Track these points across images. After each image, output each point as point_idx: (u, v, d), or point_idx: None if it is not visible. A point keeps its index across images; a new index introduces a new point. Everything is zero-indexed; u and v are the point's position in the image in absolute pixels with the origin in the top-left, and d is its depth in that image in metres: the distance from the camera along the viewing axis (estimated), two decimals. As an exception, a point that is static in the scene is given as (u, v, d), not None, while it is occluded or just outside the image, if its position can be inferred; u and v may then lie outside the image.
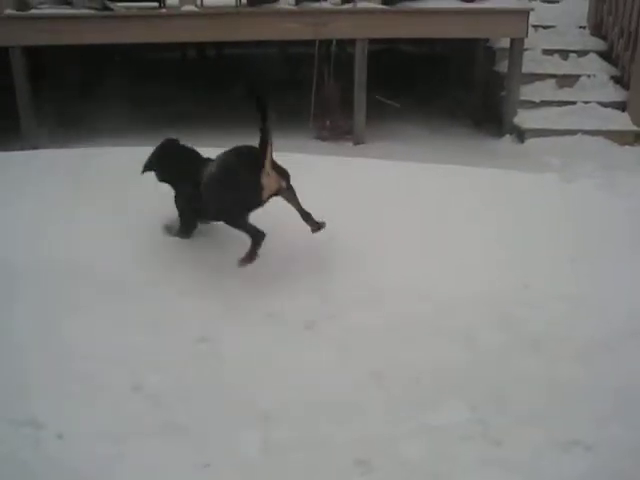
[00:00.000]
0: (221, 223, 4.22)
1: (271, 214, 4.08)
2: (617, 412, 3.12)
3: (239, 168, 4.02)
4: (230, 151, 4.16)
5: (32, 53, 7.69)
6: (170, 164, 4.45)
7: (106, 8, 7.41)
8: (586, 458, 2.88)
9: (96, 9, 7.40)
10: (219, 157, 4.19)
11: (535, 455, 2.89)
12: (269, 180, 3.96)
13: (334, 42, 7.76)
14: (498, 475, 2.81)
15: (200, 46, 11.51)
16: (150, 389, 3.30)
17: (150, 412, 3.16)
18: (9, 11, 7.25)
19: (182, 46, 11.09)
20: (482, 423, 3.06)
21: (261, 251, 4.19)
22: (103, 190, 4.93)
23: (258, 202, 4.00)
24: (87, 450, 2.96)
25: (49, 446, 2.98)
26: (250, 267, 4.10)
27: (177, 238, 4.49)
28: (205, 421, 3.11)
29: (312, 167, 5.09)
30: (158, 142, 4.75)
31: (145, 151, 4.55)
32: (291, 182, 4.11)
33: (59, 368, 3.41)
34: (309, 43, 8.41)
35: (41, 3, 7.44)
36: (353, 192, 4.92)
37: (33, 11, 7.42)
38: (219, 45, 11.38)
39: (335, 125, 8.00)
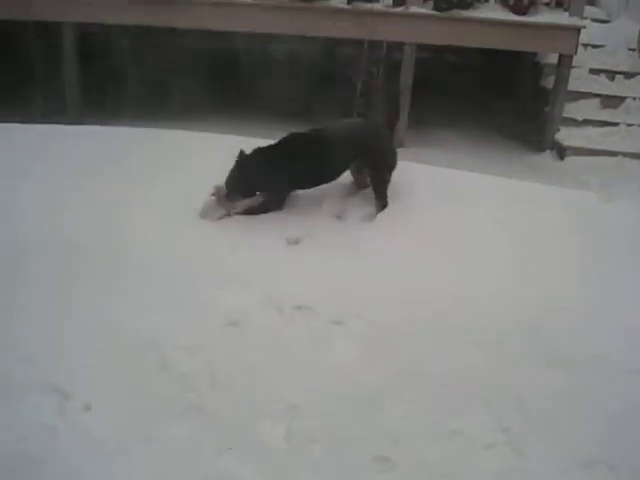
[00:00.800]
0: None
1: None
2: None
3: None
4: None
5: (83, 33, 7.81)
6: (252, 176, 4.67)
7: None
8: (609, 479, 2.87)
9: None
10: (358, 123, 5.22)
11: (557, 470, 2.88)
12: None
13: (384, 45, 7.77)
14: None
15: (246, 38, 11.58)
16: (178, 370, 3.33)
17: (177, 392, 3.19)
18: (65, -13, 7.37)
19: (229, 37, 11.17)
20: (505, 432, 3.06)
21: (291, 241, 4.48)
22: (147, 171, 4.99)
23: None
24: (113, 424, 3.00)
25: (76, 416, 3.03)
26: (284, 257, 4.15)
27: (214, 223, 4.55)
28: (231, 406, 3.13)
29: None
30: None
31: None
32: None
33: (90, 343, 3.46)
34: (354, 44, 8.45)
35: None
36: (396, 193, 4.95)
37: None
38: (266, 40, 11.44)
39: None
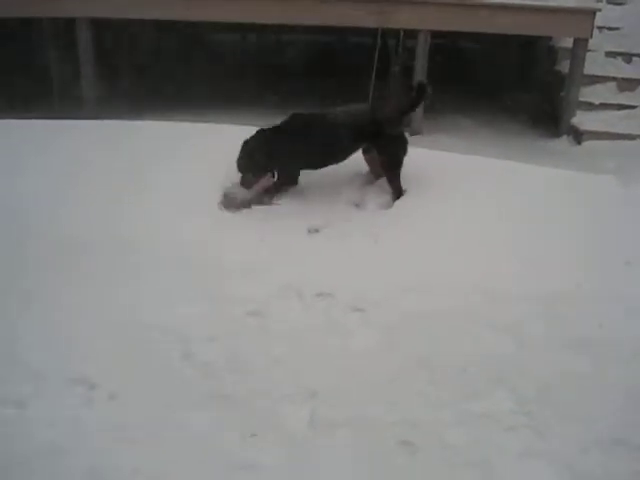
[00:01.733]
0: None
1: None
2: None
3: None
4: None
5: (98, 28, 7.84)
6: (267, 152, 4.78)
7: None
8: (631, 459, 2.87)
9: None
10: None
11: (578, 451, 2.88)
12: None
13: (402, 33, 7.74)
14: (540, 466, 2.81)
15: (260, 30, 11.60)
16: (200, 359, 3.37)
17: (199, 381, 3.23)
18: (80, -17, 7.40)
19: (243, 28, 11.19)
20: (527, 415, 3.06)
21: (312, 229, 4.53)
22: (169, 164, 5.05)
23: None
24: (137, 413, 3.04)
25: (101, 405, 3.07)
26: (304, 246, 4.18)
27: (234, 214, 4.60)
28: (253, 393, 3.16)
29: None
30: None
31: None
32: None
33: (113, 333, 3.52)
34: (368, 34, 8.42)
35: (111, -23, 7.56)
36: (414, 181, 4.96)
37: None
38: (279, 31, 11.45)
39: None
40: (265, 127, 4.90)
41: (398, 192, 4.88)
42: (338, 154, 4.94)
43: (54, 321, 3.56)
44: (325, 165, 4.94)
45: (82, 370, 3.23)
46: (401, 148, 4.93)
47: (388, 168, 4.90)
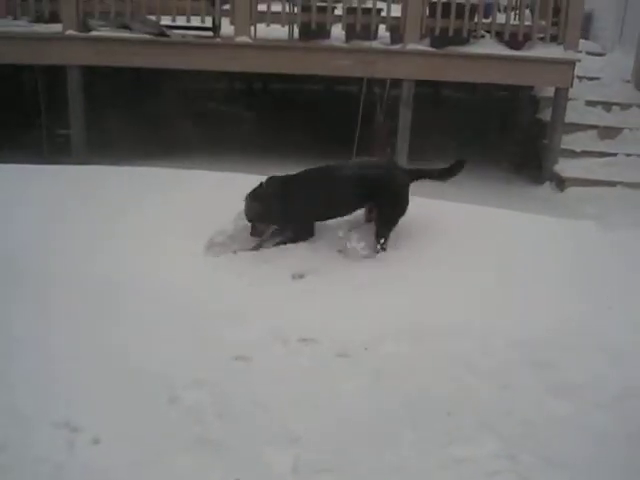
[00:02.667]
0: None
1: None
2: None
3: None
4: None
5: (87, 75, 7.96)
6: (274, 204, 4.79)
7: (163, 34, 7.65)
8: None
9: (153, 34, 7.65)
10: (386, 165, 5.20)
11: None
12: None
13: (388, 82, 7.90)
14: (525, 513, 2.82)
15: (247, 78, 11.77)
16: (185, 403, 3.36)
17: (184, 425, 3.22)
18: (71, 32, 7.53)
19: (230, 77, 11.36)
20: (511, 459, 3.07)
21: (297, 275, 4.57)
22: (154, 208, 5.09)
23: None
24: (121, 457, 3.02)
25: (84, 450, 3.05)
26: (289, 291, 4.21)
27: (220, 258, 4.64)
28: (238, 437, 3.15)
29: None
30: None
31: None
32: None
33: (98, 376, 3.50)
34: (354, 82, 8.58)
35: (101, 26, 7.70)
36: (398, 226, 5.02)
37: (93, 33, 7.69)
38: (266, 79, 11.63)
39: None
40: (277, 176, 4.96)
41: (384, 245, 4.88)
42: (345, 208, 4.97)
43: (38, 364, 3.54)
44: (331, 218, 5.00)
45: (66, 413, 3.21)
46: (402, 208, 4.93)
47: (383, 224, 4.91)
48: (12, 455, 2.98)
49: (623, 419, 3.35)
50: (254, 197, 4.82)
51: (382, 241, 4.85)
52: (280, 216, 4.87)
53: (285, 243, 4.89)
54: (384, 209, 4.90)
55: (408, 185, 4.97)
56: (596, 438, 3.22)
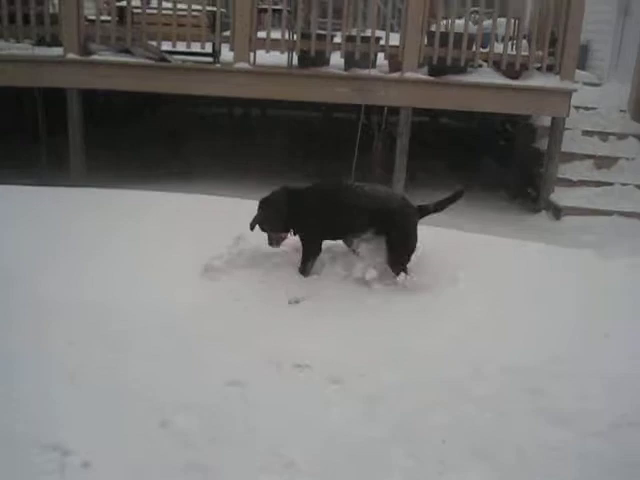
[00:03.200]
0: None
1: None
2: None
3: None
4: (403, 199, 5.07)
5: (86, 99, 8.00)
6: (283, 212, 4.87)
7: (163, 59, 7.70)
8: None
9: (154, 59, 7.70)
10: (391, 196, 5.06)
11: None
12: None
13: (385, 110, 7.95)
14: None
15: (246, 104, 11.86)
16: (178, 427, 3.32)
17: (176, 450, 3.18)
18: (72, 55, 7.58)
19: (229, 103, 11.44)
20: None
21: (293, 300, 4.58)
22: (156, 231, 5.16)
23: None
24: (112, 481, 2.99)
25: (74, 474, 3.01)
26: (284, 317, 4.21)
27: (215, 282, 4.63)
28: (230, 463, 3.12)
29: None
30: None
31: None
32: None
33: (89, 399, 3.47)
34: (352, 110, 8.64)
35: (102, 50, 7.76)
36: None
37: (94, 57, 7.74)
38: (264, 105, 11.72)
39: (374, 189, 8.12)
40: (288, 185, 5.01)
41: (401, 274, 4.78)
42: (348, 230, 4.93)
43: (28, 386, 3.52)
44: (333, 238, 5.00)
45: (56, 436, 3.17)
46: (411, 245, 4.86)
47: (393, 264, 4.81)
48: (2, 478, 2.94)
49: (619, 447, 3.33)
50: (263, 203, 4.92)
51: (401, 275, 4.75)
52: (285, 226, 4.91)
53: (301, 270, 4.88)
54: (393, 244, 4.81)
55: (417, 222, 4.93)
56: (591, 467, 3.20)
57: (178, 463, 3.09)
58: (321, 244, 4.94)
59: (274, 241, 4.94)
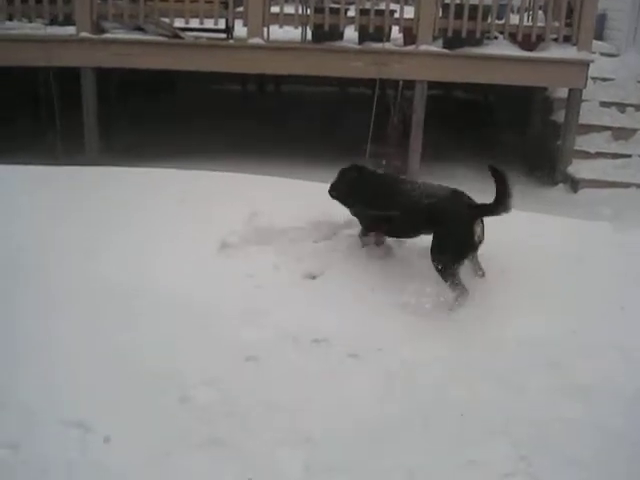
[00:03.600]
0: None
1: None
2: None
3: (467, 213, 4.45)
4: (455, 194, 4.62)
5: (102, 78, 8.00)
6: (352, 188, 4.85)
7: (176, 36, 7.67)
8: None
9: (167, 36, 7.67)
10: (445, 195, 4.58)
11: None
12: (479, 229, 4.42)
13: (401, 83, 7.88)
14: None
15: (260, 80, 11.81)
16: (197, 403, 3.36)
17: (196, 425, 3.23)
18: (85, 34, 7.57)
19: (243, 79, 11.39)
20: (524, 461, 3.05)
21: (309, 276, 4.55)
22: (171, 208, 5.17)
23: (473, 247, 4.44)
24: (132, 456, 3.03)
25: (95, 449, 3.06)
26: (301, 291, 4.22)
27: (232, 259, 4.64)
28: (249, 437, 3.16)
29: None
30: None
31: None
32: None
33: (109, 376, 3.51)
34: (367, 85, 8.57)
35: (115, 28, 7.73)
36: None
37: (107, 35, 7.72)
38: (278, 81, 11.66)
39: (390, 164, 8.09)
40: (363, 165, 5.05)
41: (457, 290, 4.32)
42: (402, 227, 4.69)
43: (51, 364, 3.56)
44: (392, 234, 4.85)
45: (77, 413, 3.23)
46: (462, 249, 4.41)
47: (440, 271, 4.36)
48: (25, 454, 2.99)
49: (636, 419, 3.33)
50: (339, 175, 4.97)
51: (451, 286, 4.32)
52: (348, 204, 4.91)
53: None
54: (440, 247, 4.41)
55: (471, 222, 4.40)
56: (609, 439, 3.20)
57: (197, 438, 3.14)
58: (371, 222, 4.83)
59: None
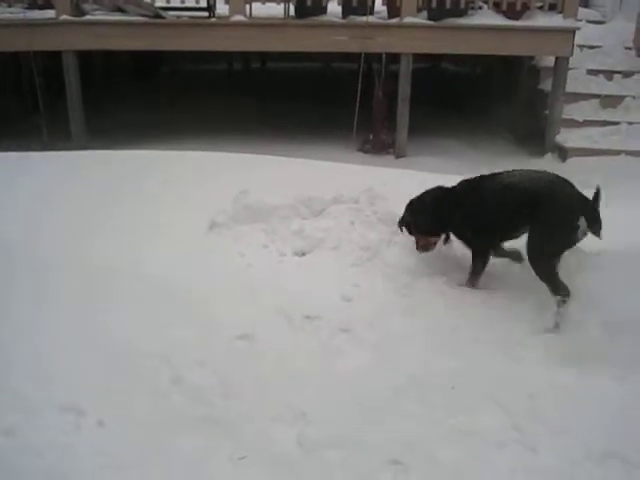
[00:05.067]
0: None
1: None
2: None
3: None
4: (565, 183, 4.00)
5: (83, 60, 7.93)
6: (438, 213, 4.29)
7: (158, 16, 7.59)
8: (623, 471, 2.86)
9: (148, 17, 7.59)
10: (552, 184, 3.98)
11: (570, 464, 2.88)
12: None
13: (384, 56, 7.84)
14: (532, 482, 2.81)
15: (245, 58, 11.73)
16: (189, 383, 3.35)
17: (188, 405, 3.21)
18: (65, 17, 7.48)
19: (229, 58, 11.31)
20: (516, 430, 3.06)
21: (299, 253, 4.55)
22: (158, 189, 5.14)
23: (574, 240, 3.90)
24: (126, 438, 3.02)
25: (90, 432, 3.05)
26: (292, 269, 4.21)
27: (222, 238, 4.63)
28: (242, 416, 3.15)
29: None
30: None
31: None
32: None
33: (101, 360, 3.49)
34: (352, 59, 8.52)
35: (95, 10, 7.65)
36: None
37: (88, 17, 7.64)
38: (264, 58, 11.58)
39: (378, 138, 8.07)
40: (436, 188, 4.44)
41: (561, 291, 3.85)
42: (503, 229, 4.16)
43: (40, 349, 3.54)
44: (489, 242, 4.25)
45: (71, 397, 3.20)
46: (560, 237, 3.90)
47: (533, 260, 3.92)
48: (21, 439, 2.98)
49: (628, 387, 3.34)
50: (407, 207, 4.44)
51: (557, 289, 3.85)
52: (436, 227, 4.36)
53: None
54: (538, 235, 3.93)
55: (574, 214, 3.85)
56: (602, 406, 3.22)
57: (190, 418, 3.13)
58: (489, 250, 4.25)
59: (421, 247, 4.41)
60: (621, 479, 2.83)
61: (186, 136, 7.81)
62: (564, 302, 3.80)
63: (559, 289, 3.83)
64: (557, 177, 4.06)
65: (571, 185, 4.02)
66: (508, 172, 4.17)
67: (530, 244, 3.93)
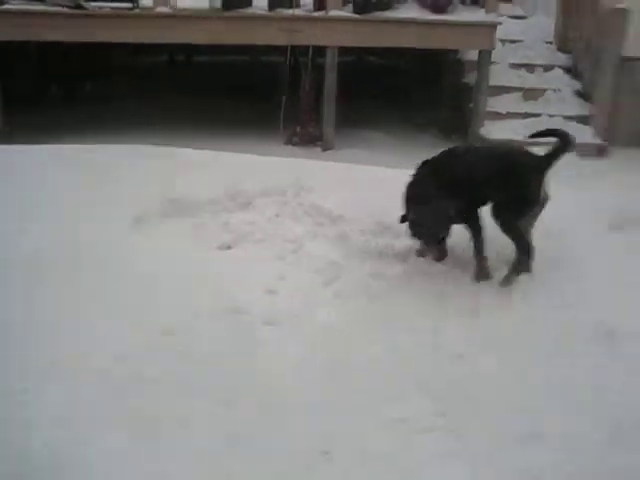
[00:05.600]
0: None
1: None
2: (584, 407, 3.18)
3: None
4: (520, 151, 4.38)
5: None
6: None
7: (79, 6, 7.41)
8: (548, 451, 2.92)
9: (69, 7, 7.40)
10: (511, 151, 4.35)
11: (495, 447, 2.93)
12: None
13: (310, 49, 7.84)
14: (460, 467, 2.84)
15: (171, 51, 11.56)
16: (111, 376, 3.27)
17: (112, 401, 3.14)
18: (-20, 6, 7.23)
19: (153, 50, 11.12)
20: (443, 416, 3.10)
21: (224, 246, 4.48)
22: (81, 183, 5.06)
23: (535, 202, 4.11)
24: (45, 436, 2.93)
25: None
26: (215, 262, 4.17)
27: (143, 230, 4.54)
28: (163, 412, 3.08)
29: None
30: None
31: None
32: None
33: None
34: (280, 52, 8.50)
35: (14, -1, 7.42)
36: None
37: (5, 6, 7.40)
38: (189, 51, 11.44)
39: (305, 131, 8.08)
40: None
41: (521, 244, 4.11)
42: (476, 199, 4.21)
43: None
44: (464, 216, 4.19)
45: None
46: (528, 201, 4.12)
47: (505, 227, 4.09)
48: None
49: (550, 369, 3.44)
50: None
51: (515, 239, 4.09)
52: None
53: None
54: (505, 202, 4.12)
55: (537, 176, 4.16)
56: (526, 390, 3.30)
57: (116, 413, 3.05)
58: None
59: (428, 251, 4.34)
60: (546, 461, 2.90)
61: (115, 129, 7.66)
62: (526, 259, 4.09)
63: (524, 246, 4.10)
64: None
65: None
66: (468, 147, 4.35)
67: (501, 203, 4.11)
